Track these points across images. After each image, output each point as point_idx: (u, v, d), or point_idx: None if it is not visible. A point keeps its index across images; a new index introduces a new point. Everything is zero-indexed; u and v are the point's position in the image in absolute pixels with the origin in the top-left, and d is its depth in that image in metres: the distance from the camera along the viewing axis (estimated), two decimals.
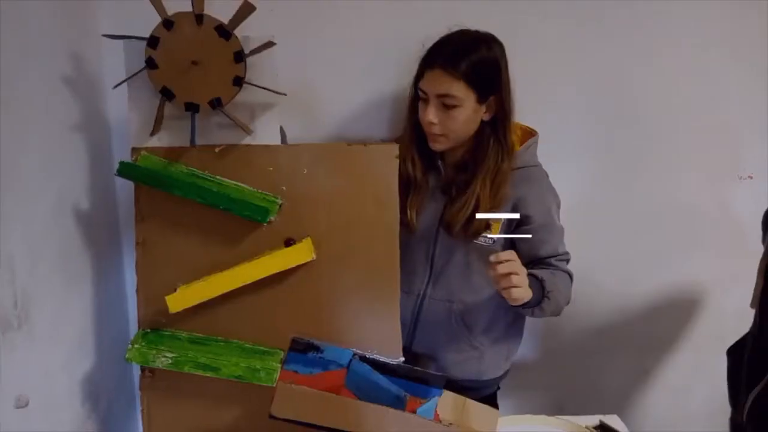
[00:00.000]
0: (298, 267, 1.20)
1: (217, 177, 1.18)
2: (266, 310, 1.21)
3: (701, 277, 1.75)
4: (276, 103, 1.17)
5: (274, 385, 1.13)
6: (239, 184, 1.18)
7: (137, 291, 1.19)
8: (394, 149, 1.23)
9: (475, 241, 1.30)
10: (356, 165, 1.22)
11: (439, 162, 1.33)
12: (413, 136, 1.31)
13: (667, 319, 1.78)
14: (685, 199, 1.65)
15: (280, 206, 1.19)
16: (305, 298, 1.22)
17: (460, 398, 1.20)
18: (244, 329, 1.21)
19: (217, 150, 1.18)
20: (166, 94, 1.09)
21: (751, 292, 1.26)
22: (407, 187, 1.31)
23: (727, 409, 1.36)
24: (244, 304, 1.20)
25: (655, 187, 1.63)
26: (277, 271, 1.16)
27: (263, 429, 1.19)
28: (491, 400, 1.46)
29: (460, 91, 1.19)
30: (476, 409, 1.21)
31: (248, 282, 1.15)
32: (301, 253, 1.18)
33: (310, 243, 1.19)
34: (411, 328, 1.38)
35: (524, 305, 1.19)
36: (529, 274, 1.17)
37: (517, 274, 1.12)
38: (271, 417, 1.10)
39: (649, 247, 1.68)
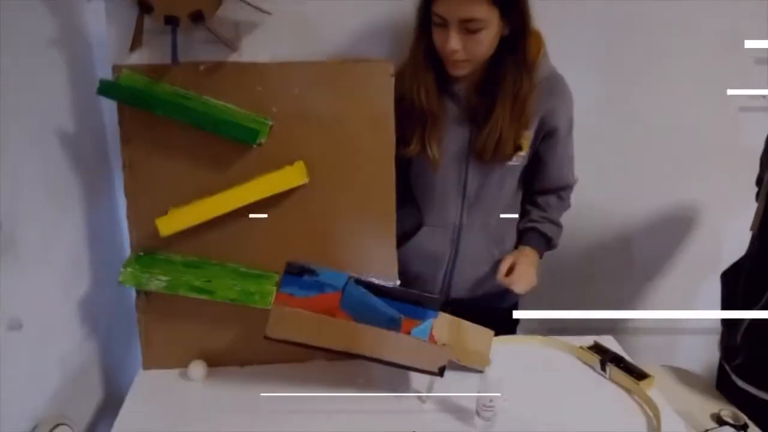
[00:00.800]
0: (292, 191, 1.17)
1: (204, 97, 1.13)
2: (260, 234, 1.20)
3: (700, 201, 1.73)
4: (263, 21, 1.10)
5: (270, 308, 1.13)
6: (227, 104, 1.13)
7: (127, 214, 1.17)
8: (389, 67, 1.17)
9: (508, 163, 1.29)
10: (349, 84, 1.16)
11: (457, 87, 1.25)
12: (426, 64, 1.21)
13: (664, 243, 1.78)
14: (689, 121, 1.59)
15: (271, 128, 1.14)
16: (300, 222, 1.21)
17: (456, 320, 1.21)
18: (238, 253, 1.20)
19: (201, 68, 1.13)
20: (144, 7, 1.02)
21: (750, 217, 1.24)
22: (422, 119, 1.24)
23: (718, 332, 1.38)
24: (238, 228, 1.18)
25: (660, 108, 1.57)
26: (269, 194, 1.14)
27: (259, 350, 1.21)
28: (510, 313, 1.48)
29: (483, 11, 1.10)
30: (471, 330, 1.23)
31: (240, 206, 1.13)
32: (294, 176, 1.15)
33: (303, 166, 1.16)
34: (451, 260, 1.38)
35: None
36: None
37: (526, 278, 1.30)
38: (267, 338, 1.11)
39: (651, 168, 1.65)
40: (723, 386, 1.34)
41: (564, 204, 1.41)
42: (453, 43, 1.12)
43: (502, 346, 1.29)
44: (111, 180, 1.36)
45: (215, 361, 1.23)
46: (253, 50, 1.16)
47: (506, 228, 1.40)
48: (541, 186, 1.39)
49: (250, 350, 1.23)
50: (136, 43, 1.07)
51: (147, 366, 1.23)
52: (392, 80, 1.16)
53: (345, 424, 1.08)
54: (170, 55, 1.07)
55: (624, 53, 1.50)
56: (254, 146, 1.14)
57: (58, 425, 1.00)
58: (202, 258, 1.19)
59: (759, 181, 1.26)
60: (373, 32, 1.36)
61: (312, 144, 1.17)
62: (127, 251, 1.19)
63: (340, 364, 1.25)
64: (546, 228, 1.37)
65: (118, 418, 1.09)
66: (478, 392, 1.08)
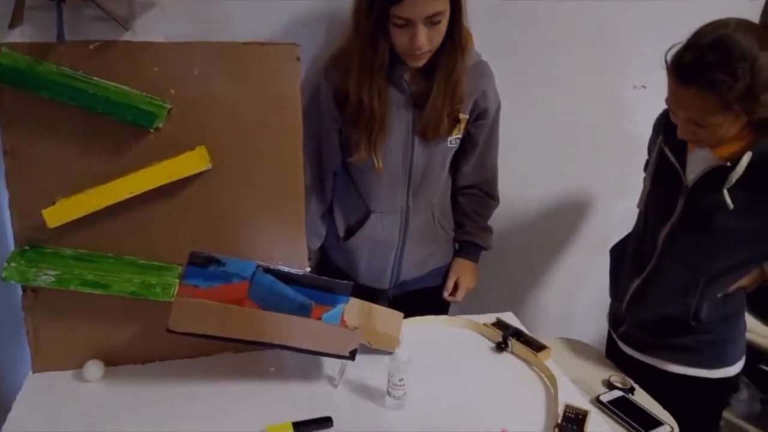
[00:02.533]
0: (194, 178, 1.13)
1: (94, 78, 1.05)
2: (161, 224, 1.14)
3: (593, 184, 1.85)
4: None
5: (172, 300, 1.09)
6: (120, 86, 1.06)
7: (10, 205, 1.07)
8: (296, 50, 1.15)
9: (448, 143, 1.35)
10: (254, 66, 1.13)
11: (405, 75, 1.28)
12: (381, 71, 1.22)
13: (560, 224, 1.90)
14: (581, 111, 1.70)
15: (169, 111, 1.09)
16: (204, 211, 1.16)
17: (366, 304, 1.22)
18: (136, 246, 1.14)
19: (91, 47, 1.05)
20: None
21: (636, 198, 1.36)
22: (370, 125, 1.26)
23: (607, 304, 1.50)
24: (136, 218, 1.12)
25: (554, 99, 1.67)
26: (168, 181, 1.09)
27: (161, 346, 1.16)
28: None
29: (443, 3, 1.14)
30: (382, 313, 1.24)
31: (136, 193, 1.07)
32: (194, 161, 1.11)
33: (205, 151, 1.12)
34: (400, 243, 1.43)
35: None
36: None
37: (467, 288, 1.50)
38: (169, 331, 1.07)
39: (547, 156, 1.75)
40: (612, 354, 1.45)
41: (492, 203, 1.50)
42: (421, 39, 1.15)
43: (411, 327, 1.32)
44: None
45: (113, 360, 1.16)
46: (149, 30, 1.10)
47: (445, 206, 1.48)
48: (470, 176, 1.46)
49: (152, 346, 1.17)
50: (16, 20, 0.98)
51: (37, 369, 1.14)
52: (298, 64, 1.15)
53: (256, 416, 1.06)
54: (56, 32, 0.99)
55: (520, 47, 1.57)
56: (151, 131, 1.08)
57: None
58: (96, 251, 1.12)
59: (647, 166, 1.37)
60: (282, 15, 1.34)
61: (214, 128, 1.13)
62: (11, 246, 1.10)
63: (249, 355, 1.23)
64: (480, 239, 1.50)
65: (5, 427, 1.00)
66: (389, 373, 1.10)
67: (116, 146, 1.08)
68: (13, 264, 1.04)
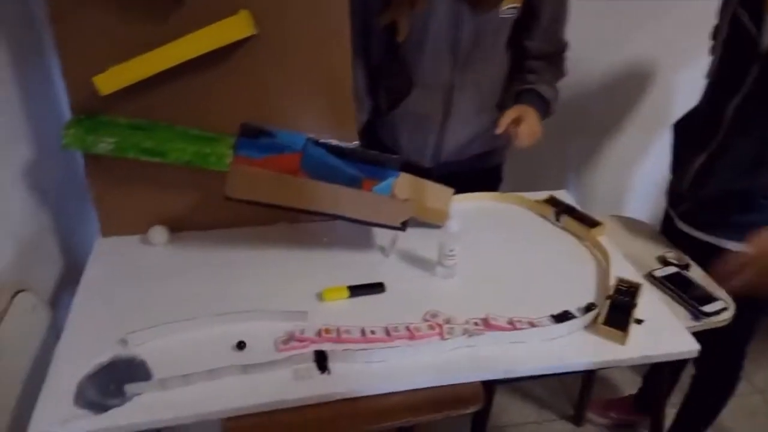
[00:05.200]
0: (240, 47, 1.09)
1: None
2: (211, 95, 1.13)
3: (657, 55, 1.71)
4: None
5: (227, 170, 1.10)
6: None
7: (63, 74, 1.08)
8: None
9: (501, 15, 1.23)
10: None
11: None
12: None
13: (619, 99, 1.79)
14: None
15: None
16: (251, 81, 1.14)
17: (416, 179, 1.21)
18: (187, 116, 1.14)
19: None
20: None
21: (702, 68, 1.25)
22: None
23: (664, 182, 1.43)
24: (186, 88, 1.11)
25: None
26: (214, 47, 1.05)
27: (221, 214, 1.20)
28: (498, 171, 1.51)
29: None
30: (432, 188, 1.23)
31: (183, 59, 1.05)
32: (239, 26, 1.06)
33: (249, 15, 1.07)
34: (442, 122, 1.35)
35: None
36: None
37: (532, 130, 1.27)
38: (227, 198, 1.09)
39: (608, 24, 1.60)
40: (668, 233, 1.42)
41: (558, 70, 1.37)
42: None
43: (461, 203, 1.31)
44: (38, 38, 1.23)
45: (177, 226, 1.21)
46: None
47: (497, 89, 1.37)
48: (534, 49, 1.33)
49: (212, 214, 1.21)
50: None
51: (106, 233, 1.21)
52: None
53: (312, 280, 1.10)
54: None
55: None
56: None
57: (18, 292, 0.99)
58: (149, 121, 1.13)
59: (716, 34, 1.24)
60: None
61: None
62: (67, 118, 1.12)
63: (303, 226, 1.26)
64: (544, 90, 1.33)
65: (81, 284, 1.08)
66: (440, 244, 1.11)
67: (159, 11, 1.05)
68: (71, 131, 1.06)
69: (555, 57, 1.36)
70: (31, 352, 1.01)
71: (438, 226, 1.20)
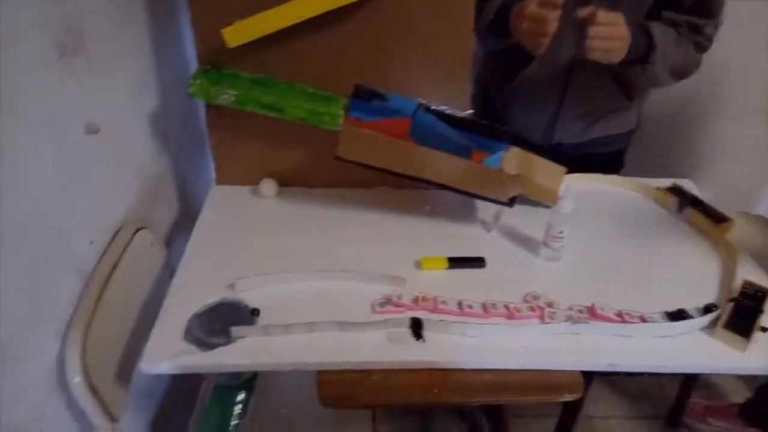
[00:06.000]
0: (362, 6, 1.08)
1: None
2: (329, 53, 1.13)
3: None
4: None
5: (339, 129, 1.11)
6: None
7: (192, 25, 1.11)
8: None
9: None
10: None
11: None
12: None
13: (752, 85, 1.60)
14: None
15: None
16: (370, 42, 1.13)
17: (528, 154, 1.16)
18: (305, 74, 1.15)
19: None
20: None
21: None
22: None
23: None
24: (307, 46, 1.12)
25: None
26: (338, 5, 1.05)
27: (327, 173, 1.21)
28: (618, 157, 1.41)
29: None
30: (543, 165, 1.18)
31: (307, 16, 1.05)
32: None
33: None
34: (558, 101, 1.27)
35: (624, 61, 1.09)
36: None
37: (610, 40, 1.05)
38: (337, 158, 1.10)
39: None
40: None
41: (702, 40, 1.17)
42: None
43: (575, 183, 1.24)
44: None
45: (285, 181, 1.24)
46: None
47: (620, 72, 1.22)
48: (675, 18, 1.16)
49: (320, 172, 1.23)
50: None
51: (220, 181, 1.26)
52: None
53: (412, 246, 1.09)
54: None
55: None
56: None
57: (140, 229, 1.06)
58: (269, 77, 1.15)
59: None
60: None
61: None
62: (192, 69, 1.16)
63: (407, 192, 1.25)
64: (655, 28, 1.11)
65: (196, 228, 1.14)
66: (547, 224, 1.06)
67: None
68: (198, 81, 1.10)
69: (699, 28, 1.17)
70: (145, 287, 1.08)
71: (546, 206, 1.14)
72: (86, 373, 0.84)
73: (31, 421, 0.79)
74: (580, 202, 1.07)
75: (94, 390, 0.86)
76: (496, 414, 1.26)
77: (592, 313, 0.97)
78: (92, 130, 0.92)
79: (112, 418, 0.90)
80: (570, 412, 1.29)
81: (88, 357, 0.85)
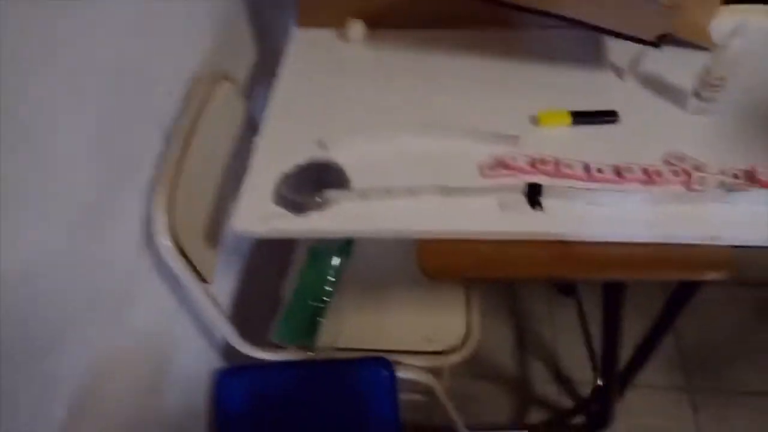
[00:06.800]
0: None
1: None
2: None
3: None
4: None
5: None
6: None
7: None
8: None
9: None
10: None
11: None
12: None
13: None
14: None
15: None
16: None
17: None
18: None
19: None
20: None
21: None
22: None
23: None
24: None
25: None
26: None
27: (424, 11, 1.04)
28: None
29: None
30: None
31: None
32: None
33: None
34: None
35: None
36: None
37: None
38: None
39: None
40: None
41: None
42: None
43: (747, 17, 0.97)
44: None
45: (373, 22, 1.07)
46: None
47: None
48: None
49: (414, 11, 1.04)
50: None
51: (302, 23, 1.10)
52: None
53: (525, 99, 0.92)
54: None
55: None
56: None
57: (218, 79, 0.95)
58: None
59: None
60: None
61: None
62: None
63: (520, 34, 1.05)
64: None
65: (279, 77, 1.01)
66: (703, 68, 0.85)
67: None
68: None
69: None
70: (228, 142, 1.00)
71: (703, 48, 0.92)
72: (174, 234, 0.79)
73: (124, 285, 0.76)
74: (751, 43, 0.83)
75: (182, 251, 0.81)
76: (612, 295, 1.12)
77: (750, 178, 0.80)
78: None
79: (203, 279, 0.87)
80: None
81: (175, 218, 0.79)
